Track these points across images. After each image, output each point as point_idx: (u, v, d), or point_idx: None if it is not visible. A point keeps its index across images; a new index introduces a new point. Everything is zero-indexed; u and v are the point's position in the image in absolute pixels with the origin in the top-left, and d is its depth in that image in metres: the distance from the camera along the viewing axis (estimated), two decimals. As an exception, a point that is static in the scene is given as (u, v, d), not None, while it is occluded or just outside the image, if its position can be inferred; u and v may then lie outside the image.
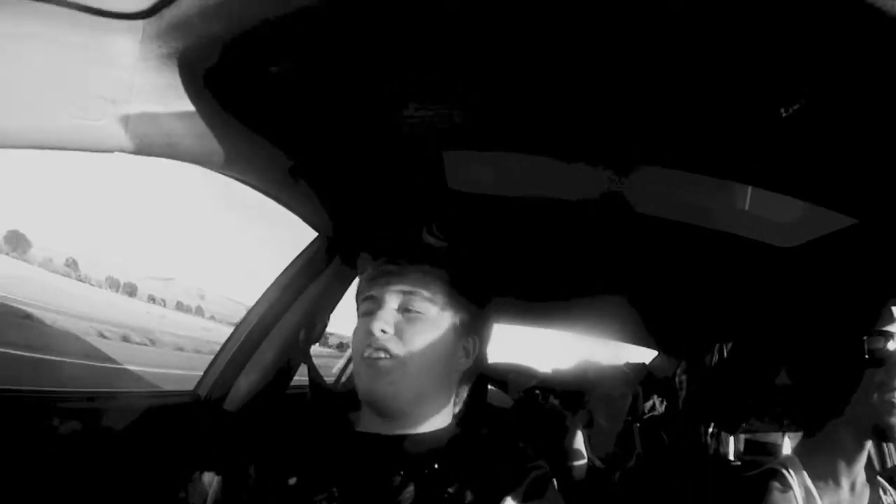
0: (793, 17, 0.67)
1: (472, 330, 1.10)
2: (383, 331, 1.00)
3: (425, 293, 1.04)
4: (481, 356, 1.12)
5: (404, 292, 1.04)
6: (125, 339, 20.20)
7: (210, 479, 1.07)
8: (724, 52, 0.79)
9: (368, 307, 1.06)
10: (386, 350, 0.98)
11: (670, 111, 0.99)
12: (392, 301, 1.03)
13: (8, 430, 1.14)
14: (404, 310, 1.03)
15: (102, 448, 1.34)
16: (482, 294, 1.14)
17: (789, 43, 0.73)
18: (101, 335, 19.32)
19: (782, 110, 0.86)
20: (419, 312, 1.03)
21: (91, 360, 10.25)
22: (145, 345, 20.67)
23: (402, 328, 1.01)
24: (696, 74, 0.86)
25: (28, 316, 16.35)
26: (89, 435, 1.32)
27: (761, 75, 0.82)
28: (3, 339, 10.08)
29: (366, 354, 1.00)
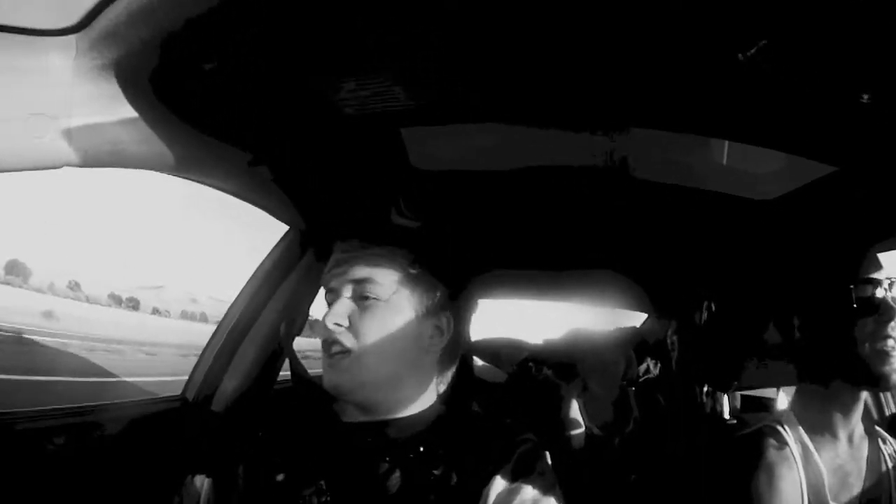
0: None
1: (442, 307, 1.06)
2: (337, 324, 0.98)
3: (377, 277, 1.01)
4: (460, 333, 1.10)
5: (357, 280, 1.02)
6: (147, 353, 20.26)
7: (201, 482, 1.06)
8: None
9: (328, 299, 1.05)
10: (340, 344, 0.97)
11: (639, 68, 0.95)
12: (346, 291, 1.02)
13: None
14: (358, 298, 1.01)
15: (93, 460, 1.34)
16: (452, 270, 1.11)
17: None
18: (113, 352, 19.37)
19: (739, 54, 0.82)
20: (374, 299, 1.00)
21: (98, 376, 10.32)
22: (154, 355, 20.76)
23: (355, 319, 1.00)
24: (649, 25, 0.82)
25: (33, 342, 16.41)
26: (78, 449, 1.31)
27: (715, 19, 0.79)
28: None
29: (324, 351, 1.00)
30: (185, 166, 1.11)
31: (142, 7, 0.70)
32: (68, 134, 0.80)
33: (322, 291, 1.09)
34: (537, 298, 3.00)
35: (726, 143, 1.20)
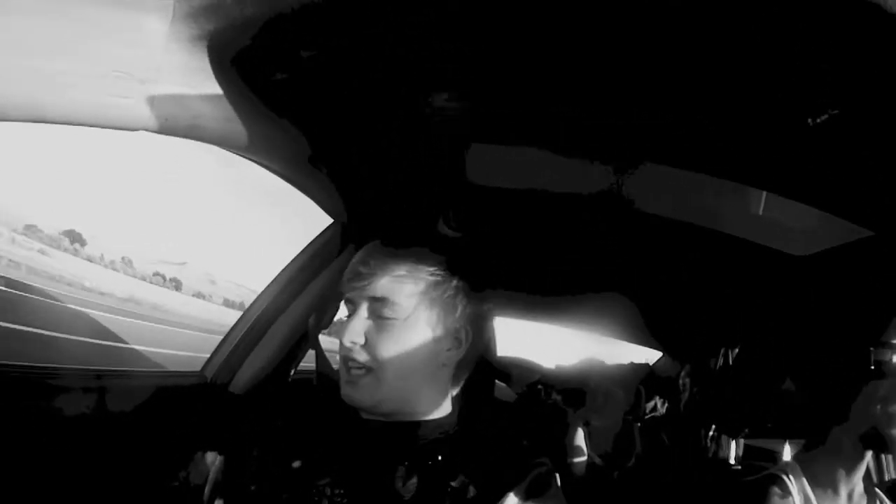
0: (821, 25, 0.67)
1: (459, 323, 1.06)
2: (353, 342, 0.98)
3: (395, 298, 1.01)
4: (477, 343, 1.09)
5: (374, 298, 1.01)
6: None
7: (212, 459, 1.07)
8: (760, 60, 0.78)
9: (347, 310, 1.06)
10: (357, 362, 0.97)
11: (691, 111, 0.98)
12: (363, 308, 1.02)
13: (15, 406, 1.15)
14: (376, 316, 1.01)
15: (110, 426, 1.35)
16: (479, 281, 1.11)
17: (820, 51, 0.73)
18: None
19: (809, 119, 0.86)
20: (391, 318, 1.00)
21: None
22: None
23: (372, 337, 0.99)
24: (729, 77, 0.85)
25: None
26: (97, 413, 1.32)
27: (793, 84, 0.82)
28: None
29: (342, 365, 1.00)
30: (253, 147, 1.13)
31: None
32: (151, 100, 0.81)
33: None
34: (551, 323, 3.01)
35: (763, 193, 1.21)
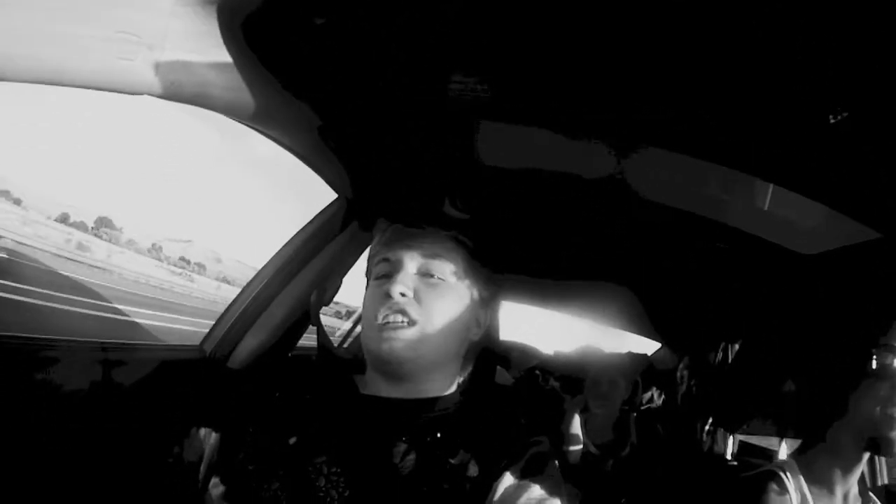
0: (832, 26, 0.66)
1: (487, 302, 1.09)
2: (402, 294, 0.98)
3: (446, 259, 1.03)
4: (491, 329, 1.12)
5: (425, 255, 1.02)
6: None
7: (206, 435, 1.06)
8: (775, 54, 0.78)
9: (385, 269, 1.04)
10: (405, 314, 0.97)
11: (700, 103, 0.98)
12: (411, 264, 1.02)
13: (18, 375, 1.15)
14: (424, 274, 1.02)
15: (114, 399, 1.34)
16: (499, 267, 1.13)
17: (833, 52, 0.72)
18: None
19: (831, 117, 0.85)
20: (440, 278, 1.01)
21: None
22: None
23: (421, 292, 1.00)
24: (742, 70, 0.84)
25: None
26: (97, 386, 1.32)
27: (808, 82, 0.81)
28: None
29: (382, 319, 0.98)
30: (260, 118, 1.11)
31: None
32: (157, 65, 0.79)
33: (363, 263, 1.10)
34: (555, 309, 2.98)
35: (770, 186, 1.20)
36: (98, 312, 10.91)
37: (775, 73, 0.82)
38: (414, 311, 0.97)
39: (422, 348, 0.98)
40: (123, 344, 1.54)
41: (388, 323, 0.97)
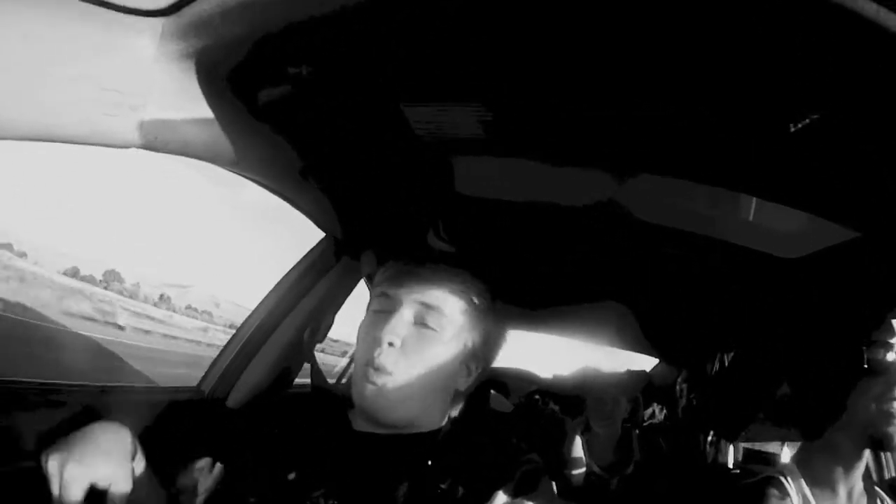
0: (800, 33, 0.68)
1: (481, 351, 1.09)
2: (391, 343, 0.97)
3: (446, 310, 1.01)
4: (483, 375, 1.12)
5: (424, 304, 1.01)
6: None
7: (202, 467, 1.06)
8: (739, 67, 0.79)
9: (381, 305, 1.04)
10: (383, 365, 0.97)
11: (677, 120, 0.98)
12: (408, 309, 1.01)
13: (16, 421, 1.14)
14: (419, 323, 1.01)
15: None
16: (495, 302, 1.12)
17: (800, 59, 0.74)
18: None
19: (791, 125, 0.87)
20: (434, 330, 1.00)
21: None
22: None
23: (411, 343, 0.99)
24: (708, 86, 0.86)
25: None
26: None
27: (773, 90, 0.83)
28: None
29: (367, 366, 0.98)
30: (242, 163, 1.12)
31: (242, 2, 0.71)
32: (141, 122, 0.81)
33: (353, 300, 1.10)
34: (547, 333, 2.99)
35: (753, 199, 1.22)
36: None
37: (738, 81, 0.83)
38: (398, 365, 0.97)
39: (400, 401, 0.98)
40: (122, 386, 1.54)
41: (371, 372, 0.98)
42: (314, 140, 1.20)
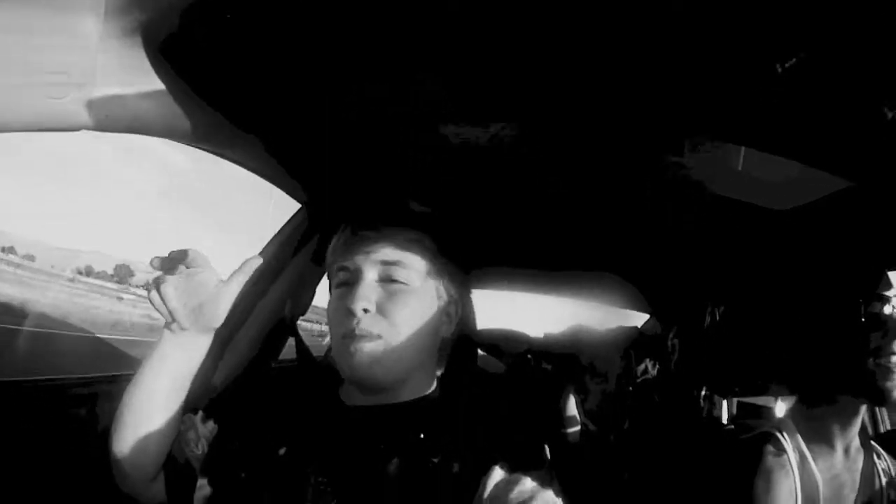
0: None
1: (455, 296, 1.06)
2: (365, 310, 0.95)
3: (408, 261, 0.99)
4: (463, 321, 1.10)
5: (385, 262, 0.99)
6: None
7: (190, 453, 1.05)
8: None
9: (344, 278, 1.01)
10: (368, 330, 0.94)
11: (660, 67, 0.93)
12: (371, 272, 0.98)
13: (20, 418, 1.18)
14: (386, 280, 0.98)
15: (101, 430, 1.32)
16: (468, 260, 1.11)
17: None
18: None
19: (778, 65, 0.81)
20: (403, 283, 0.98)
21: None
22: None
23: (384, 303, 0.96)
24: (691, 23, 0.81)
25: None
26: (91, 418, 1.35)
27: (756, 28, 0.78)
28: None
29: (346, 336, 0.95)
30: (203, 138, 1.10)
31: None
32: (89, 102, 0.79)
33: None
34: (537, 293, 2.98)
35: (742, 148, 1.17)
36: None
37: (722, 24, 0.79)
38: (377, 327, 0.95)
39: (389, 362, 0.95)
40: (110, 376, 1.53)
41: (352, 340, 0.94)
42: (268, 115, 1.17)
